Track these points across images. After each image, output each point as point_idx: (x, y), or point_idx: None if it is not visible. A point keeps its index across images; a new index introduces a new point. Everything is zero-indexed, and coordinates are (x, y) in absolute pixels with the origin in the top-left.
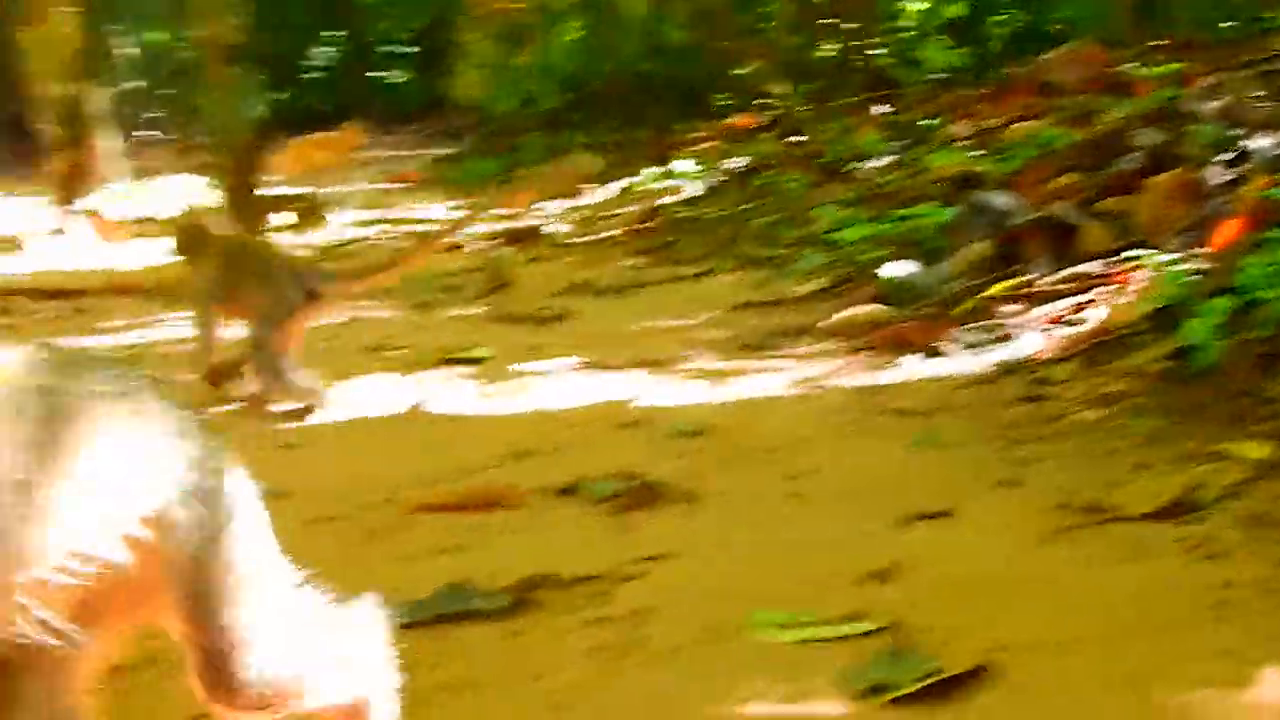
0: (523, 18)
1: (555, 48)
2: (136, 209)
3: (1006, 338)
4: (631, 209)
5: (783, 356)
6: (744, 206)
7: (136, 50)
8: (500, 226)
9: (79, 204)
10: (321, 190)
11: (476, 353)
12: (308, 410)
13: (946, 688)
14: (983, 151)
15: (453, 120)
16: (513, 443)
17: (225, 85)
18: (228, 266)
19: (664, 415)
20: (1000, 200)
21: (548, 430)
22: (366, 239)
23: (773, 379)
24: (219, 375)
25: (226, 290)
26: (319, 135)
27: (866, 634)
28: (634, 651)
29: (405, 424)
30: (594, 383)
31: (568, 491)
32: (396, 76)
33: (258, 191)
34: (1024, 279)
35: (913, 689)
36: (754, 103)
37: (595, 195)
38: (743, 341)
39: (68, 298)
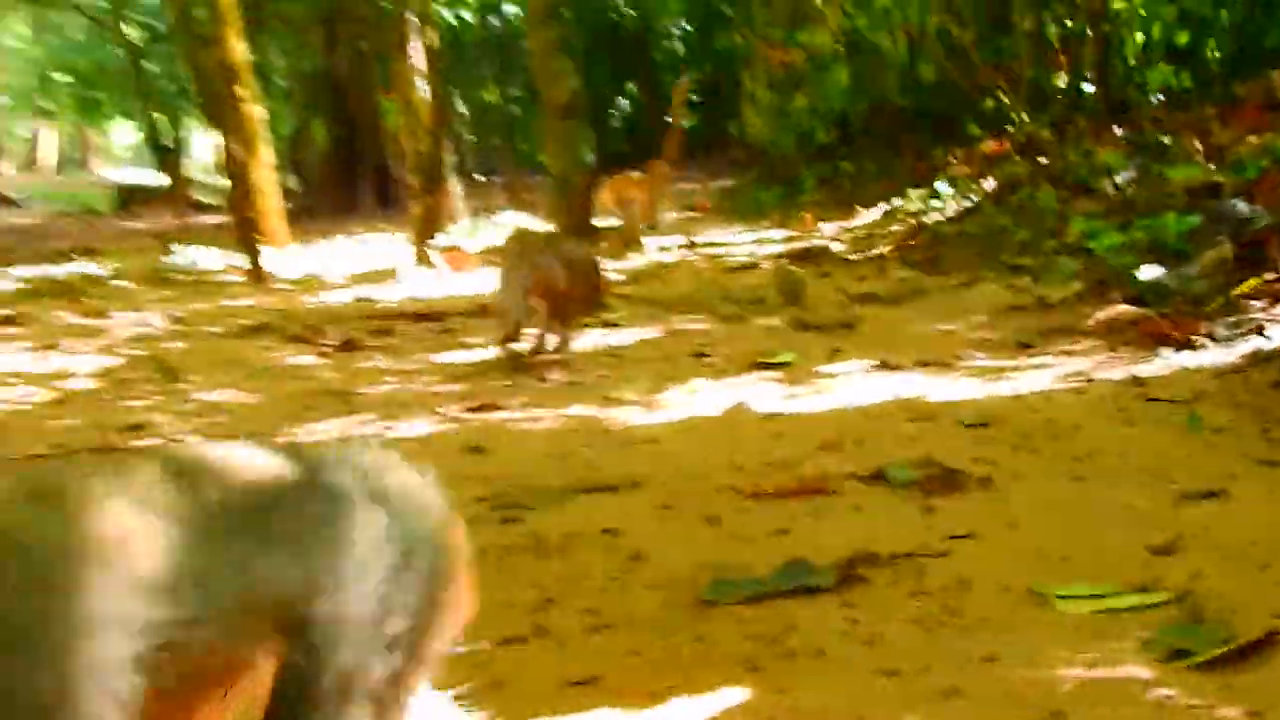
0: (797, 66)
1: (826, 90)
2: (479, 243)
3: (1257, 330)
4: (898, 228)
5: (1050, 354)
6: (1001, 222)
7: (470, 107)
8: (789, 246)
9: (435, 241)
10: (634, 220)
11: (782, 357)
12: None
13: (1243, 653)
14: (1216, 165)
15: (734, 155)
16: (822, 436)
17: (563, 136)
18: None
19: (951, 409)
20: (1240, 207)
21: (850, 424)
22: (677, 263)
23: (1044, 374)
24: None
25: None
26: (633, 174)
27: (1160, 604)
28: (951, 621)
29: (729, 421)
30: (886, 382)
31: (876, 478)
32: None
33: (590, 223)
34: (1268, 277)
35: (1211, 655)
36: (1001, 129)
37: (865, 217)
38: (1012, 341)
39: (436, 320)
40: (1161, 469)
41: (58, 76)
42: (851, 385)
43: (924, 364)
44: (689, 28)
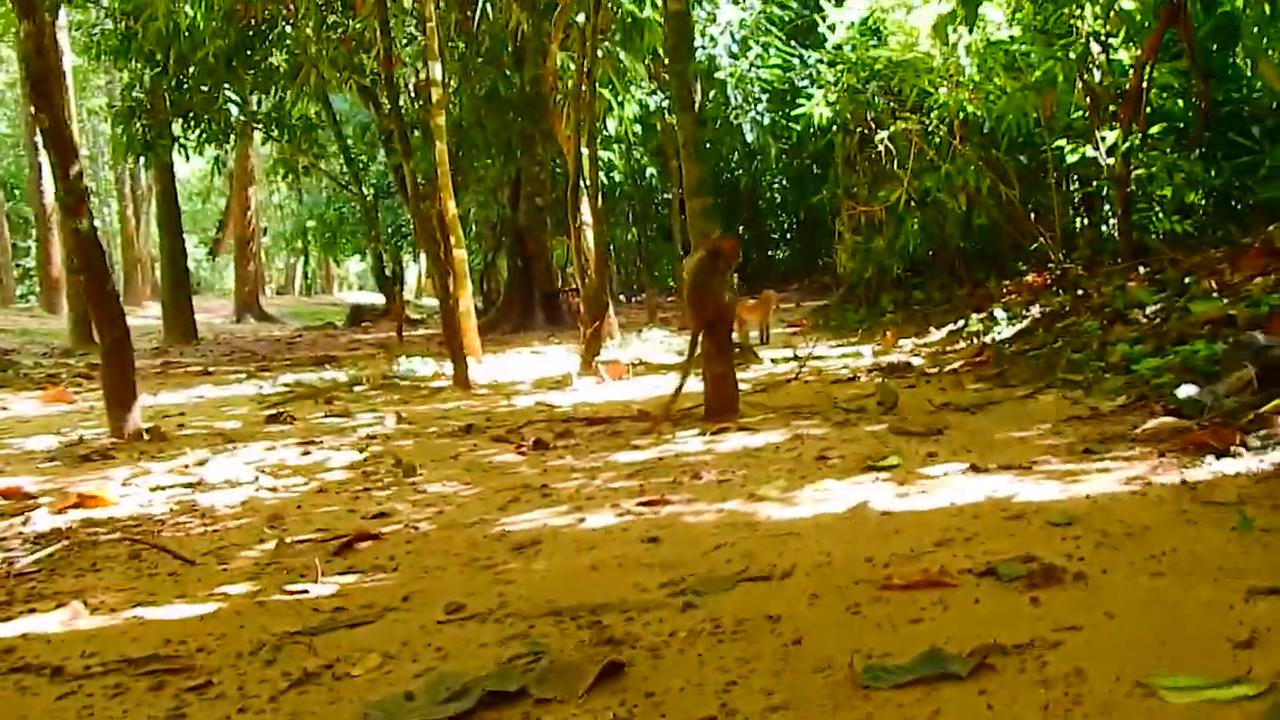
0: (877, 215)
1: (900, 233)
2: (630, 354)
3: None
4: (964, 345)
5: (1109, 459)
6: (1053, 344)
7: (616, 243)
8: (878, 360)
9: (600, 355)
10: (749, 337)
11: (889, 460)
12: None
13: None
14: (1230, 301)
15: (824, 280)
16: (934, 533)
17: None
18: None
19: (1038, 508)
20: (1258, 337)
21: (956, 522)
22: (789, 374)
23: (1108, 478)
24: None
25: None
26: (748, 299)
27: (1255, 696)
28: (1076, 709)
29: (855, 518)
30: (977, 483)
31: (987, 573)
32: (781, 252)
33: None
34: None
35: None
36: (1043, 266)
37: (936, 335)
38: (1076, 447)
39: (605, 423)
40: (1227, 565)
41: (310, 224)
42: (950, 486)
43: (1007, 467)
44: (786, 183)
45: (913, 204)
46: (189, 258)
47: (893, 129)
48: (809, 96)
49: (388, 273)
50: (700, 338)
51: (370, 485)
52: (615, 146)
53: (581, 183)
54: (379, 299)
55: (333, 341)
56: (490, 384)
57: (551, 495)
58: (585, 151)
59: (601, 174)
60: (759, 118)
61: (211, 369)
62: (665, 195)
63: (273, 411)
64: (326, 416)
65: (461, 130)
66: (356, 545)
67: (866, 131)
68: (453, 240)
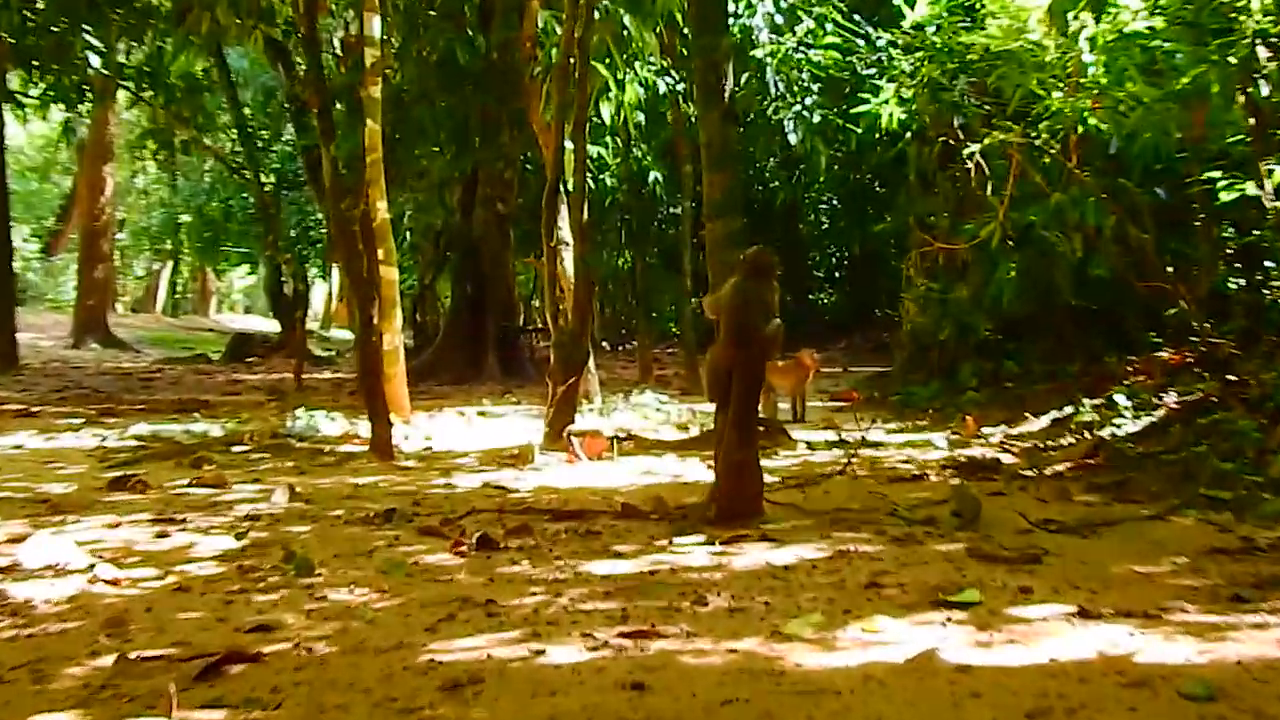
0: (960, 254)
1: (990, 281)
2: (614, 423)
3: None
4: (1071, 440)
5: (1269, 610)
6: (1193, 446)
7: (600, 271)
8: (953, 454)
9: (574, 423)
10: (779, 410)
11: (966, 595)
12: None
13: None
14: None
15: (877, 336)
16: (1025, 700)
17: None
18: None
19: (1168, 674)
20: None
21: (1055, 686)
22: (833, 465)
23: (1266, 636)
24: None
25: None
26: (780, 363)
27: None
28: None
29: (918, 673)
30: (1087, 634)
31: None
32: (826, 297)
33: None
34: None
35: None
36: (1181, 338)
37: (1033, 424)
38: (1222, 592)
39: (578, 518)
40: None
41: (185, 218)
42: (1048, 635)
43: (1126, 613)
44: (838, 204)
45: (1009, 243)
46: (14, 255)
47: (987, 141)
48: (875, 90)
49: (286, 291)
50: (741, 406)
51: (249, 585)
52: (610, 141)
53: (562, 187)
54: (272, 327)
55: (205, 381)
56: (421, 453)
57: (500, 615)
58: (569, 145)
59: (590, 177)
60: (806, 114)
61: (36, 409)
62: (673, 210)
63: (118, 474)
64: (192, 485)
65: (402, 106)
66: (227, 668)
67: (951, 142)
68: (380, 253)
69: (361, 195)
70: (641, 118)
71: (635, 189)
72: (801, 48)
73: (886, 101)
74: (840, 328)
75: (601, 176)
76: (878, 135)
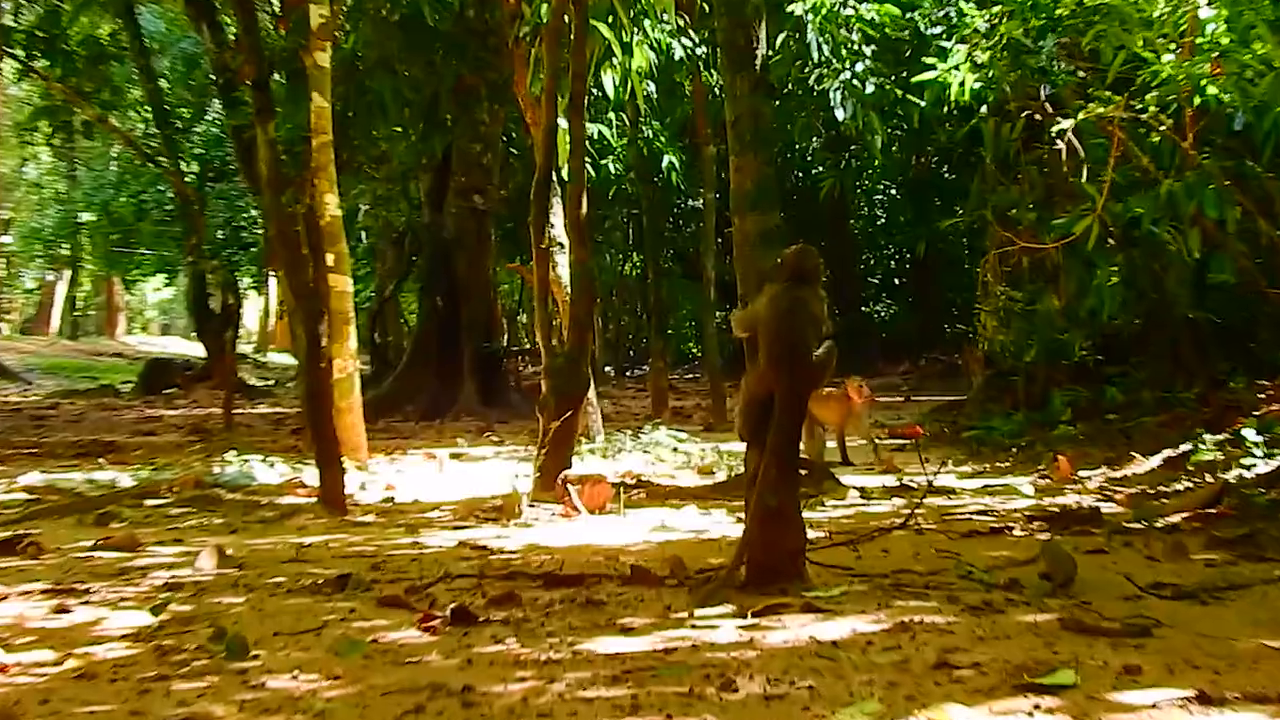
0: (1050, 257)
1: (1087, 290)
2: (620, 467)
3: None
4: (1189, 485)
5: None
6: None
7: (602, 280)
8: (1042, 502)
9: (570, 467)
10: (821, 449)
11: (1059, 677)
12: None
13: None
14: None
15: (950, 360)
16: None
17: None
18: None
19: None
20: None
21: None
22: (892, 516)
23: None
24: None
25: None
26: (823, 391)
27: None
28: None
29: None
30: None
31: None
32: (883, 309)
33: None
34: None
35: None
36: None
37: (1142, 465)
38: None
39: (576, 585)
40: None
41: (87, 217)
42: None
43: (1258, 699)
44: (897, 194)
45: (1110, 242)
46: None
47: (1082, 115)
48: (942, 54)
49: (213, 307)
50: (781, 445)
51: (169, 671)
52: (614, 118)
53: (554, 175)
54: (195, 350)
55: (113, 419)
56: (382, 506)
57: (479, 705)
58: (564, 124)
59: (590, 162)
60: (857, 84)
61: None
62: (694, 203)
63: (6, 535)
64: (98, 548)
65: (356, 77)
66: None
67: (1037, 117)
68: (330, 258)
69: (306, 187)
70: (653, 89)
71: (646, 177)
72: (851, 2)
73: (957, 67)
74: (901, 347)
75: (604, 162)
76: (946, 109)
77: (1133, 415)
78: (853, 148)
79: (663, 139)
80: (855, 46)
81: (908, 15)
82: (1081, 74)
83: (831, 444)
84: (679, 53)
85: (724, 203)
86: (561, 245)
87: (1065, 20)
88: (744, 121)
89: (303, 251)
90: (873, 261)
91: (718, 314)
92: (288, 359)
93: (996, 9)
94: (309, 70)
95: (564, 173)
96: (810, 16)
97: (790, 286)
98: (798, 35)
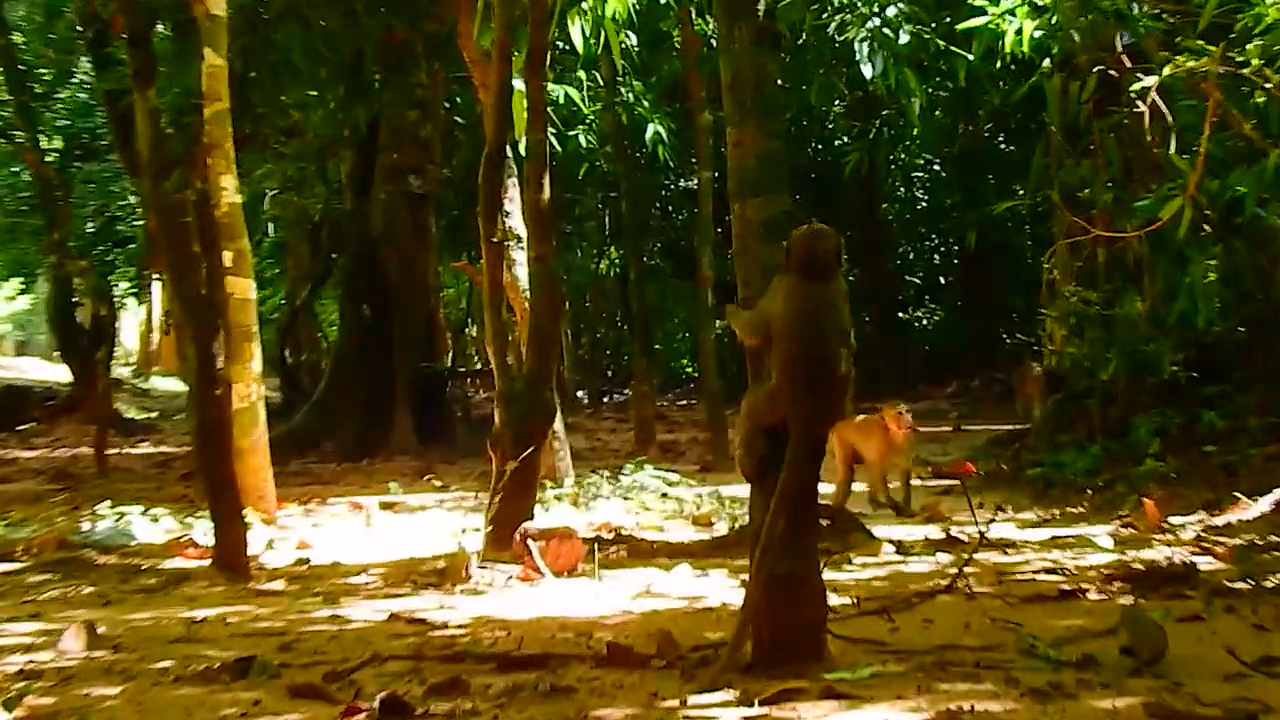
0: (1133, 250)
1: (1179, 291)
2: (593, 519)
3: None
4: None
5: None
6: None
7: (569, 279)
8: (1124, 558)
9: (530, 518)
10: (850, 494)
11: None
12: None
13: None
14: None
15: (1006, 380)
16: None
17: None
18: None
19: None
20: None
21: None
22: (937, 576)
23: None
24: None
25: None
26: (856, 420)
27: None
28: None
29: None
30: None
31: None
32: (924, 315)
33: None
34: None
35: None
36: None
37: (1249, 510)
38: None
39: (539, 668)
40: None
41: None
42: None
43: None
44: (940, 172)
45: (1206, 230)
46: None
47: (1168, 71)
48: None
49: (80, 319)
50: (795, 487)
51: None
52: (586, 78)
53: (509, 150)
54: (59, 374)
55: None
56: (295, 569)
57: None
58: (520, 86)
59: (554, 134)
60: (888, 32)
61: None
62: (687, 183)
63: None
64: None
65: (260, 29)
66: None
67: (1113, 73)
68: (228, 258)
69: (197, 168)
70: (633, 40)
71: (625, 152)
72: None
73: (1012, 12)
74: (948, 363)
75: (572, 133)
76: (1000, 64)
77: (1237, 446)
78: (885, 113)
79: (646, 103)
80: None
81: None
82: (1168, 19)
83: (860, 485)
84: None
85: (724, 183)
86: (519, 238)
87: None
88: (744, 82)
89: (193, 249)
90: (912, 256)
91: (717, 324)
92: (175, 385)
93: None
94: (200, 21)
95: (521, 147)
96: None
97: (806, 281)
98: None
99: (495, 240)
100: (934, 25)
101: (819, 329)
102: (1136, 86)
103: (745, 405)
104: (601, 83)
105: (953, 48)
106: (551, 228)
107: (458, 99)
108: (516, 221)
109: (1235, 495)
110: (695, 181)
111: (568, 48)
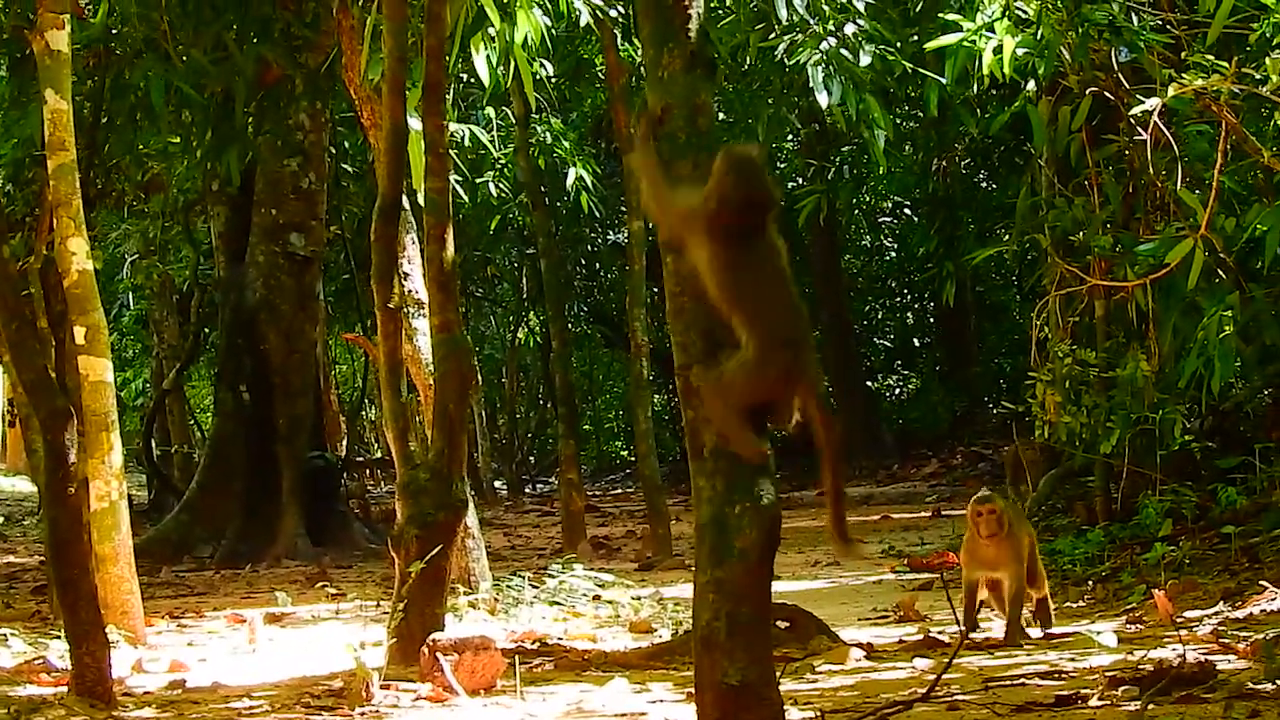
0: (1134, 301)
1: (1192, 344)
2: (513, 628)
3: None
4: None
5: None
6: None
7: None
8: (1132, 658)
9: (440, 629)
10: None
11: None
12: None
13: None
14: None
15: (989, 452)
16: None
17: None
18: None
19: None
20: None
21: None
22: (913, 686)
23: None
24: None
25: None
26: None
27: None
28: None
29: None
30: None
31: None
32: (893, 382)
33: None
34: None
35: None
36: None
37: (1273, 599)
38: None
39: None
40: None
41: None
42: None
43: None
44: (913, 217)
45: (1220, 275)
46: None
47: (1173, 92)
48: (969, 9)
49: None
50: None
51: None
52: (494, 114)
53: (405, 202)
54: None
55: None
56: (169, 695)
57: None
58: (418, 126)
59: (461, 182)
60: (846, 54)
61: None
62: (615, 237)
63: None
64: None
65: (112, 65)
66: None
67: (1109, 99)
68: (81, 334)
69: (43, 231)
70: (549, 71)
71: (543, 201)
72: None
73: (990, 27)
74: (925, 439)
75: (481, 180)
76: (976, 90)
77: (1259, 527)
78: (845, 149)
79: (566, 143)
80: (841, 2)
81: None
82: (1173, 29)
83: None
84: (585, 15)
85: (657, 234)
86: (420, 304)
87: None
88: (675, 116)
89: (39, 325)
90: (880, 314)
91: (655, 399)
92: (22, 484)
93: None
94: (38, 58)
95: (420, 197)
96: None
97: (745, 237)
98: None
99: (392, 306)
100: (899, 45)
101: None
102: (1137, 110)
103: (722, 374)
104: (514, 120)
105: (922, 70)
106: (458, 291)
107: (344, 144)
108: (417, 284)
109: (1260, 584)
110: (625, 234)
111: (472, 80)
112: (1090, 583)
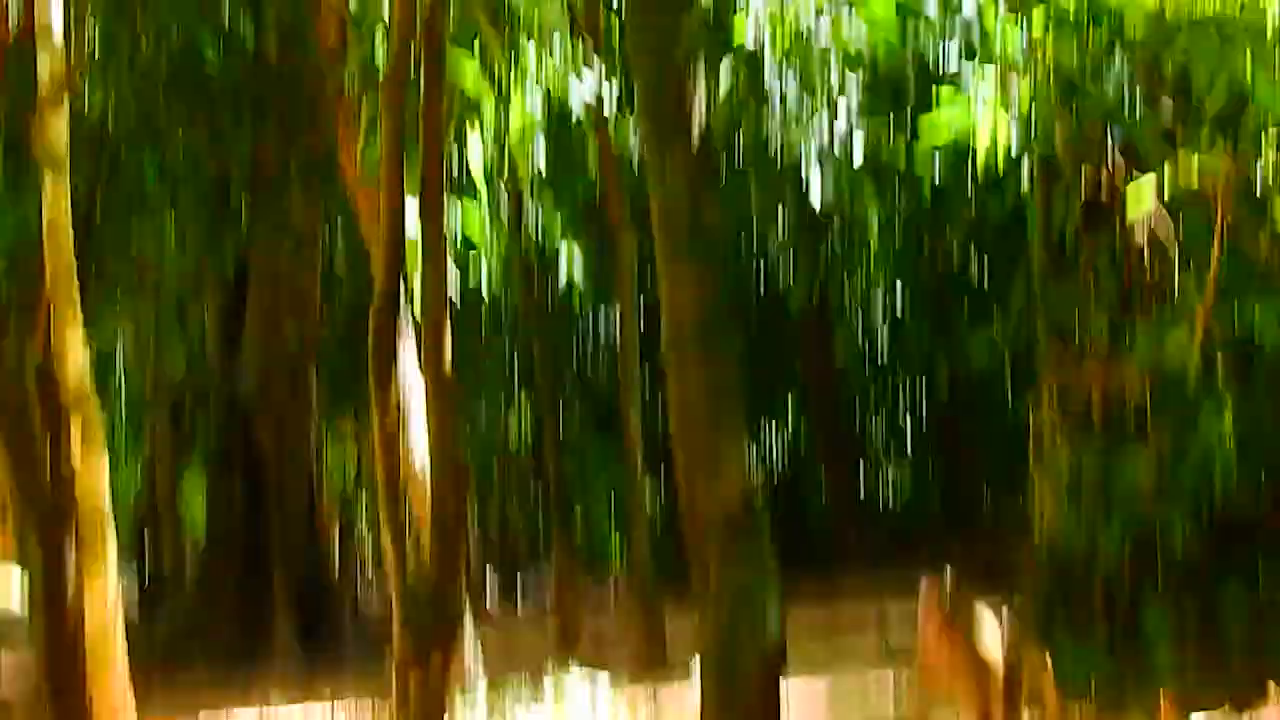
0: (1134, 395)
1: (1195, 443)
2: None
3: None
4: None
5: None
6: None
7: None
8: None
9: None
10: None
11: None
12: None
13: None
14: None
15: (992, 553)
16: None
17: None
18: None
19: None
20: None
21: None
22: None
23: None
24: None
25: None
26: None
27: None
28: None
29: None
30: None
31: None
32: (893, 477)
33: None
34: None
35: None
36: None
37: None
38: None
39: None
40: None
41: None
42: None
43: None
44: (910, 299)
45: (1220, 372)
46: None
47: (1169, 172)
48: (956, 87)
49: None
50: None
51: None
52: (486, 198)
53: (404, 296)
54: None
55: None
56: None
57: None
58: (415, 215)
59: (456, 268)
60: (843, 140)
61: None
62: (609, 322)
63: None
64: None
65: (108, 151)
66: None
67: (1103, 178)
68: (76, 435)
69: (35, 324)
70: (541, 162)
71: (536, 283)
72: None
73: (982, 113)
74: (916, 537)
75: (470, 266)
76: (970, 172)
77: (1267, 629)
78: (834, 228)
79: (559, 225)
80: (832, 85)
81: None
82: (1167, 100)
83: None
84: (578, 101)
85: (649, 319)
86: (413, 394)
87: (1141, 42)
88: (676, 214)
89: (33, 428)
90: (871, 404)
91: (649, 491)
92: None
93: (1039, 22)
94: (36, 149)
95: (415, 293)
96: (767, 45)
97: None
98: (753, 71)
99: (388, 400)
100: (893, 123)
101: None
102: (1132, 188)
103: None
104: (505, 192)
105: (913, 142)
106: (448, 385)
107: (340, 231)
108: (414, 375)
109: (1263, 687)
110: (619, 315)
111: (471, 168)
112: (1086, 698)
